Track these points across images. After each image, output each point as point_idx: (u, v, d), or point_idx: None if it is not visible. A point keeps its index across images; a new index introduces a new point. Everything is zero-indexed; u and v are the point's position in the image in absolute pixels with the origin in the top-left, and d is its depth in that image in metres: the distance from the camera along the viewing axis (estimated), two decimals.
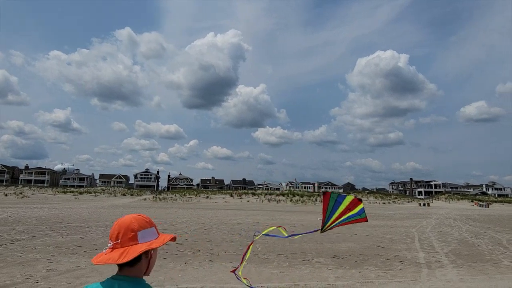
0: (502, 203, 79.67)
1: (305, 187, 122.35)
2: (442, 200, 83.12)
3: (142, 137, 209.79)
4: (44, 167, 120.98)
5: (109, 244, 1.59)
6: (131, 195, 74.57)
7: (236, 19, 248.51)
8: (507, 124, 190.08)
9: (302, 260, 10.23)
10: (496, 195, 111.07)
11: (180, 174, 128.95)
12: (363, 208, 5.77)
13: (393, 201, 75.73)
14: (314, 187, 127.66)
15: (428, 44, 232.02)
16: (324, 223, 6.31)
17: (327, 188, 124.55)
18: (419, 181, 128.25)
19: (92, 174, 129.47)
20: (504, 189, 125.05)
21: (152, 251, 1.65)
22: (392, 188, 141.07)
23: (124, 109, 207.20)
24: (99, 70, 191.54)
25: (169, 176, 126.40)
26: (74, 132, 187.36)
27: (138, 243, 1.56)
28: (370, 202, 70.26)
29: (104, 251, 1.59)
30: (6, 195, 58.35)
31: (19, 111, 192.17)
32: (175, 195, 70.49)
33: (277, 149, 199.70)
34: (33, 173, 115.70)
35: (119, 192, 76.83)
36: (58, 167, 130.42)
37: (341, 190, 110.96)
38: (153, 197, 67.44)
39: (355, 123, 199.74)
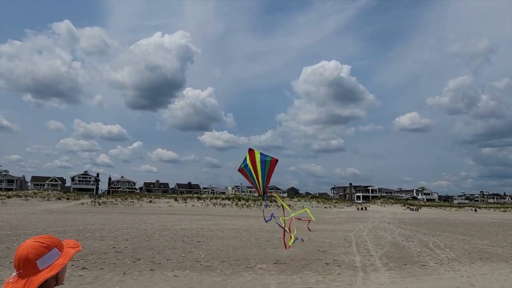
0: (430, 207, 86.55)
1: (250, 191, 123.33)
2: (378, 204, 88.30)
3: (81, 138, 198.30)
4: None
5: (14, 274, 1.67)
6: (67, 199, 70.05)
7: (185, 20, 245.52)
8: (435, 134, 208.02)
9: (245, 267, 10.29)
10: (425, 200, 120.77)
11: (122, 177, 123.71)
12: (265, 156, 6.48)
13: (334, 205, 78.98)
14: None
15: (368, 56, 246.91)
16: (261, 186, 6.76)
17: (271, 192, 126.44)
18: (357, 186, 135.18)
19: (23, 176, 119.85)
20: (431, 194, 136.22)
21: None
22: (333, 193, 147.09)
23: (62, 107, 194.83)
24: (34, 64, 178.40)
25: (110, 179, 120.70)
26: (2, 130, 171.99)
27: (38, 271, 1.64)
28: (312, 206, 72.61)
29: (11, 279, 1.66)
30: None
31: None
32: (116, 199, 67.43)
33: (223, 153, 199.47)
34: None
35: (54, 196, 71.77)
36: None
37: (285, 195, 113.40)
38: (91, 201, 63.97)
39: (300, 129, 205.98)
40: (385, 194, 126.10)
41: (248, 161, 6.50)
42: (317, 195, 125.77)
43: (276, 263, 10.99)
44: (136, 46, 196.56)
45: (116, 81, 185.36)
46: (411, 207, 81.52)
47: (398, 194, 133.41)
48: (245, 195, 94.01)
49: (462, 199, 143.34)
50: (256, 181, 6.58)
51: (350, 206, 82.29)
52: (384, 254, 13.31)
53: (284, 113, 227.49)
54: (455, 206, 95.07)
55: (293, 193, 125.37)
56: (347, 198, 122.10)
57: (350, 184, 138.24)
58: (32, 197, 67.62)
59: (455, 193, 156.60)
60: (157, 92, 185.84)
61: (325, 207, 74.32)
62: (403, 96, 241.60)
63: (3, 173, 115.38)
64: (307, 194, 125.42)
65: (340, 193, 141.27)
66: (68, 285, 7.81)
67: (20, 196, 66.86)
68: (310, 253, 13.11)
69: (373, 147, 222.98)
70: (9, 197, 64.78)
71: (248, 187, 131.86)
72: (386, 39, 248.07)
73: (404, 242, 17.15)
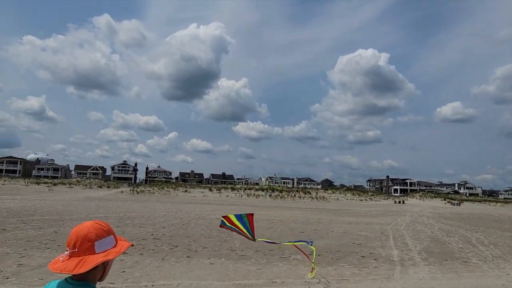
0: (472, 202, 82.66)
1: (284, 183, 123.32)
2: (416, 198, 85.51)
3: (120, 128, 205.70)
4: (16, 156, 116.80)
5: (66, 252, 1.61)
6: (108, 187, 73.26)
7: (220, 11, 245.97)
8: (480, 125, 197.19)
9: (279, 257, 10.31)
10: (467, 194, 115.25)
11: (159, 166, 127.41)
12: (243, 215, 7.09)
13: (369, 198, 77.34)
14: (293, 183, 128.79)
15: (408, 44, 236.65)
16: (250, 234, 7.22)
17: (306, 184, 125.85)
18: (395, 179, 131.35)
19: (67, 164, 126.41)
20: (475, 188, 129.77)
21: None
22: (369, 185, 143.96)
23: (102, 98, 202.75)
24: (76, 58, 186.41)
25: (147, 168, 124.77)
26: (48, 120, 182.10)
27: (94, 253, 1.58)
28: (347, 199, 71.57)
29: (61, 257, 1.60)
30: None
31: None
32: (153, 188, 69.69)
33: (257, 144, 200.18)
34: (4, 162, 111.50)
35: (95, 184, 75.33)
36: (31, 156, 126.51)
37: (319, 186, 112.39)
38: (130, 189, 66.49)
39: (335, 120, 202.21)
40: (424, 188, 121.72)
41: (227, 223, 7.07)
42: (352, 187, 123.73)
43: (310, 255, 10.91)
44: (172, 38, 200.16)
45: (152, 72, 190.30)
46: (452, 201, 78.19)
47: (439, 188, 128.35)
48: (279, 186, 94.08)
49: (508, 194, 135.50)
50: (243, 232, 7.13)
51: (387, 199, 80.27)
52: (423, 248, 12.88)
53: (318, 103, 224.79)
54: (500, 202, 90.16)
55: (327, 185, 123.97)
56: (383, 191, 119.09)
57: (387, 176, 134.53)
58: (76, 185, 71.30)
59: (501, 188, 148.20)
60: (192, 83, 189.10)
61: (360, 200, 72.95)
62: (445, 85, 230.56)
63: (49, 162, 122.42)
64: (342, 186, 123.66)
65: (377, 186, 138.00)
66: (111, 268, 8.16)
67: (65, 184, 70.73)
68: (345, 246, 12.92)
69: (412, 138, 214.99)
70: (55, 184, 68.67)
71: (283, 178, 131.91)
72: (427, 25, 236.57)
73: (444, 237, 16.51)
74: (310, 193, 74.19)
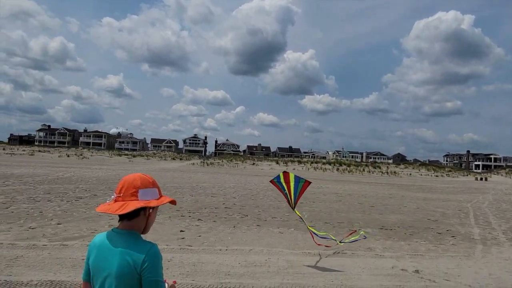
0: None
1: (352, 157, 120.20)
2: (502, 175, 77.98)
3: (190, 103, 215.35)
4: (100, 130, 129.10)
5: (113, 196, 1.75)
6: (180, 159, 77.73)
7: None
8: None
9: (349, 230, 10.20)
10: None
11: (227, 140, 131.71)
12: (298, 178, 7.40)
13: (446, 174, 72.37)
14: (362, 157, 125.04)
15: (497, 3, 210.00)
16: (293, 201, 7.34)
17: (375, 158, 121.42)
18: (476, 154, 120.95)
19: (144, 138, 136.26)
20: None
21: (151, 210, 1.79)
22: (446, 161, 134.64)
23: (173, 75, 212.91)
24: (149, 36, 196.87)
25: (216, 142, 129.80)
26: (126, 97, 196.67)
27: (137, 199, 1.71)
28: (421, 174, 67.77)
29: (108, 201, 1.75)
30: (68, 156, 63.26)
31: (77, 77, 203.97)
32: (222, 161, 72.40)
33: (324, 117, 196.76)
34: (91, 136, 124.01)
35: (169, 156, 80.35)
36: (113, 131, 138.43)
37: (390, 161, 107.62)
38: (201, 162, 69.80)
39: (409, 91, 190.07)
40: (511, 164, 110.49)
41: (282, 180, 7.31)
42: (427, 162, 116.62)
43: (381, 229, 10.65)
44: (238, 12, 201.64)
45: (220, 47, 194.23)
46: None
47: None
48: (347, 160, 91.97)
49: None
50: (289, 195, 7.34)
51: (467, 175, 74.44)
52: (509, 228, 11.84)
53: (391, 73, 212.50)
54: None
55: (399, 159, 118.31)
56: (463, 167, 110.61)
57: (468, 151, 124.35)
58: (152, 157, 76.72)
59: None
60: (258, 56, 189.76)
61: (436, 176, 68.57)
62: None
63: (128, 136, 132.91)
64: (415, 161, 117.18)
65: (455, 162, 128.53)
66: (188, 232, 8.77)
67: (142, 156, 76.51)
68: (420, 222, 12.35)
69: (499, 109, 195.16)
70: (134, 156, 74.60)
71: (351, 152, 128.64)
72: None
73: None
74: (380, 168, 71.51)
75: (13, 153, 60.84)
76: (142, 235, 1.78)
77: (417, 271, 6.47)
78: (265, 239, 8.49)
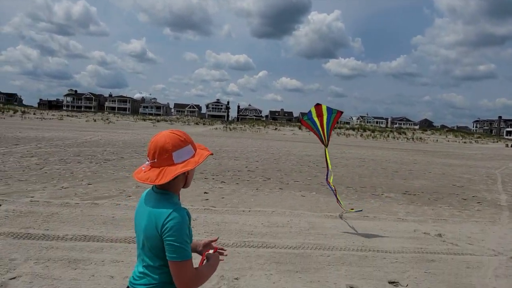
0: None
1: (377, 122, 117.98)
2: None
3: (212, 68, 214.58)
4: (125, 95, 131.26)
5: (147, 162, 1.66)
6: (203, 124, 78.44)
7: None
8: None
9: (371, 194, 10.20)
10: None
11: (250, 105, 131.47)
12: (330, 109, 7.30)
13: (475, 141, 70.18)
14: (387, 123, 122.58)
15: None
16: (326, 137, 7.29)
17: (401, 124, 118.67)
18: (509, 120, 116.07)
19: (168, 103, 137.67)
20: None
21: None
22: (476, 127, 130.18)
23: (195, 38, 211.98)
24: None
25: (238, 107, 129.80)
26: (149, 62, 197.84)
27: (173, 164, 1.61)
28: (449, 141, 66.02)
29: (143, 167, 1.67)
30: (95, 120, 64.94)
31: (100, 42, 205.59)
32: (245, 126, 72.62)
33: (349, 82, 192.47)
34: (116, 101, 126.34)
35: (192, 121, 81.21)
36: (137, 95, 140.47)
37: (416, 127, 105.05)
38: (223, 127, 70.27)
39: (440, 53, 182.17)
40: None
41: (314, 115, 7.24)
42: (455, 128, 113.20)
43: (405, 194, 10.58)
44: None
45: (242, 9, 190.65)
46: None
47: None
48: (371, 125, 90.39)
49: None
50: (322, 133, 7.29)
51: (497, 142, 71.99)
52: None
53: (421, 35, 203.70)
54: None
55: (426, 125, 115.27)
56: (493, 134, 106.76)
57: (500, 117, 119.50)
58: (176, 122, 77.76)
59: None
60: (281, 18, 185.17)
61: (464, 142, 66.62)
62: None
63: (152, 101, 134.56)
64: (443, 127, 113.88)
65: (485, 128, 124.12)
66: (211, 194, 9.01)
67: (166, 121, 77.58)
68: (444, 187, 12.18)
69: None
70: (158, 121, 75.76)
71: (375, 118, 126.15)
72: None
73: None
74: (405, 134, 69.97)
75: (43, 118, 63.01)
76: (183, 189, 1.76)
77: (439, 235, 6.46)
78: (287, 201, 8.62)
